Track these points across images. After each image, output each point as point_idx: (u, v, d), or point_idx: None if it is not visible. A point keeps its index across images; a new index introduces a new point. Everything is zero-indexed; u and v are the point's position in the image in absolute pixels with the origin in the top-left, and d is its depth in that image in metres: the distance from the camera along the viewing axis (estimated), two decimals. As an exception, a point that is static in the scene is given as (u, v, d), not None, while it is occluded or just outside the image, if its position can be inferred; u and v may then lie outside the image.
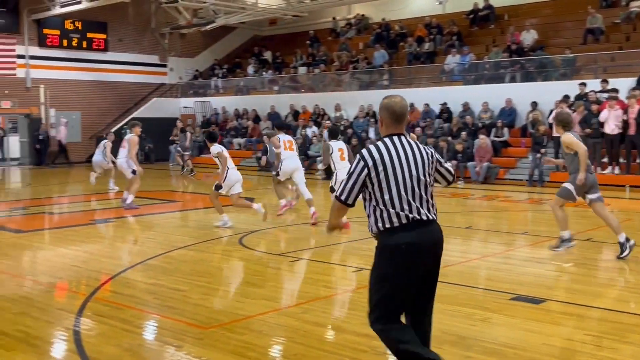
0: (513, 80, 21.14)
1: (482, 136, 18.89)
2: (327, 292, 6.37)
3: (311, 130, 23.44)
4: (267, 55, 31.03)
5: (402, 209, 3.45)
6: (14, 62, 26.55)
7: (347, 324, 5.33)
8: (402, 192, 3.47)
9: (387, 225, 3.47)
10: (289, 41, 31.36)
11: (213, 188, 10.71)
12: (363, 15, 29.84)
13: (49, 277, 7.35)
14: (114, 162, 15.61)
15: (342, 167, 10.31)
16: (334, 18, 30.81)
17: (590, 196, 8.10)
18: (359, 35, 29.09)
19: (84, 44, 28.36)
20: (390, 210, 3.45)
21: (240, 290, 6.54)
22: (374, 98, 23.51)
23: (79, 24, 28.06)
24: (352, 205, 3.62)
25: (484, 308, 5.77)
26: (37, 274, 7.57)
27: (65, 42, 27.85)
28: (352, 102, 24.00)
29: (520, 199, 14.86)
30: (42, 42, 27.26)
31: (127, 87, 29.77)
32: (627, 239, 8.01)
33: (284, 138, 11.65)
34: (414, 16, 27.78)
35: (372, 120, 22.71)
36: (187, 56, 32.12)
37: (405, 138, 3.60)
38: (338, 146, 10.57)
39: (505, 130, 19.65)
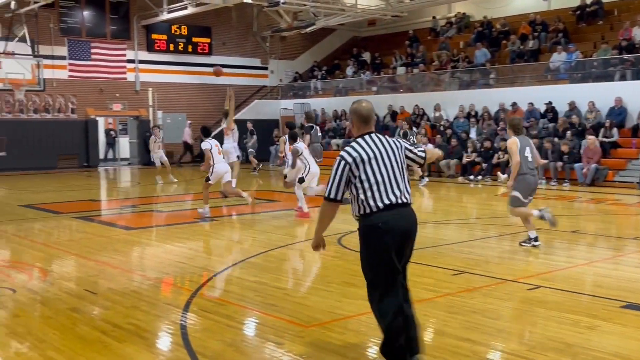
0: (623, 78, 20.08)
1: (590, 137, 18.08)
2: (427, 295, 6.29)
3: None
4: (366, 56, 31.03)
5: (380, 195, 4.08)
6: (124, 67, 27.92)
7: (448, 327, 5.24)
8: (380, 181, 4.11)
9: (367, 210, 4.11)
10: (388, 41, 31.23)
11: (204, 180, 12.31)
12: (464, 13, 29.26)
13: (157, 273, 7.66)
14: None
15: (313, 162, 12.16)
16: (434, 17, 30.39)
17: (531, 197, 8.93)
18: (459, 34, 28.56)
19: (190, 48, 29.45)
20: (370, 197, 4.08)
21: (339, 289, 6.58)
22: (475, 98, 22.97)
23: (184, 29, 29.17)
24: (341, 201, 4.20)
25: (591, 315, 5.54)
26: (146, 270, 7.91)
27: (171, 47, 29.03)
28: (452, 102, 23.59)
29: (631, 203, 14.13)
30: (150, 47, 28.53)
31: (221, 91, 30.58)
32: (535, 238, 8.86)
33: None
34: (517, 13, 26.95)
35: (473, 119, 22.22)
36: (288, 58, 32.65)
37: (376, 135, 4.26)
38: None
39: (615, 130, 18.71)
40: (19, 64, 24.06)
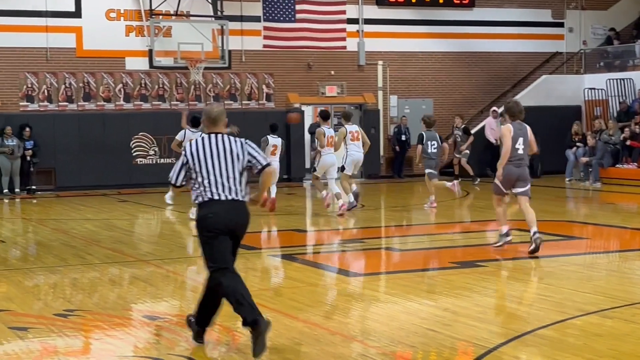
0: None
1: None
2: None
3: None
4: None
5: (212, 189, 7.22)
6: (343, 30, 28.79)
7: None
8: (212, 177, 7.24)
9: (201, 200, 7.29)
10: None
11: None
12: None
13: (393, 343, 7.72)
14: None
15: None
16: None
17: (515, 190, 12.59)
18: None
19: (440, -2, 29.70)
20: (204, 189, 7.24)
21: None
22: None
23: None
24: (179, 185, 7.54)
25: None
26: (376, 337, 7.96)
27: (413, -3, 29.50)
28: None
29: None
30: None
31: (500, 61, 30.35)
32: (535, 232, 12.26)
33: (329, 133, 18.06)
34: None
35: None
36: (597, 7, 31.57)
37: (221, 135, 7.38)
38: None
39: None
40: (195, 30, 25.89)
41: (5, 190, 23.76)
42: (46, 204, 22.21)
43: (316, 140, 18.97)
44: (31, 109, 25.21)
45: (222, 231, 7.20)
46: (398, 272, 12.04)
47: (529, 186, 12.59)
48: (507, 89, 30.20)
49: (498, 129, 26.05)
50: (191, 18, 26.48)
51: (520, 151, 12.34)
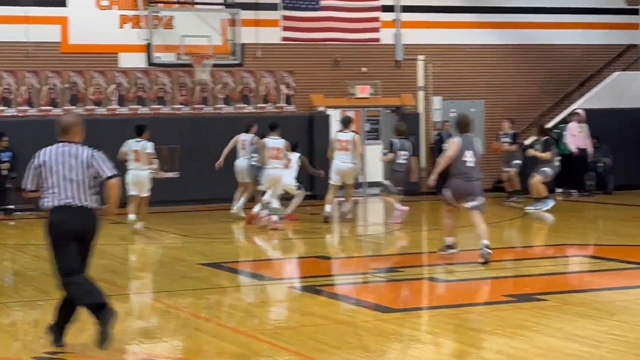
0: None
1: None
2: None
3: None
4: None
5: (60, 196, 8.79)
6: (376, 19, 28.80)
7: None
8: (61, 184, 8.82)
9: (49, 205, 8.85)
10: None
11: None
12: None
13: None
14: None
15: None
16: None
17: (466, 204, 14.51)
18: None
19: (491, -20, 29.64)
20: (51, 195, 8.82)
21: None
22: None
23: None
24: (31, 190, 8.98)
25: None
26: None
27: (459, -20, 29.44)
28: None
29: None
30: (422, -18, 29.20)
31: (564, 55, 30.24)
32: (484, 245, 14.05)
33: (272, 144, 19.79)
34: None
35: None
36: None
37: (69, 145, 9.07)
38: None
39: None
40: (201, 21, 26.00)
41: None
42: (25, 226, 22.31)
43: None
44: (8, 114, 25.37)
45: (70, 237, 8.81)
46: (442, 307, 11.97)
47: (481, 200, 14.51)
48: (572, 89, 30.09)
49: (580, 136, 26.03)
50: (196, 6, 26.62)
51: (469, 164, 14.23)
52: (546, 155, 22.36)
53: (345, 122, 21.04)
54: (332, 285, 13.96)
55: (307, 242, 18.74)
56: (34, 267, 15.35)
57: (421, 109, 29.11)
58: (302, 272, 15.29)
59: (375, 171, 29.98)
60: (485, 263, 14.05)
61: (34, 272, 14.77)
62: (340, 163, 20.59)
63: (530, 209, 22.47)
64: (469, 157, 14.19)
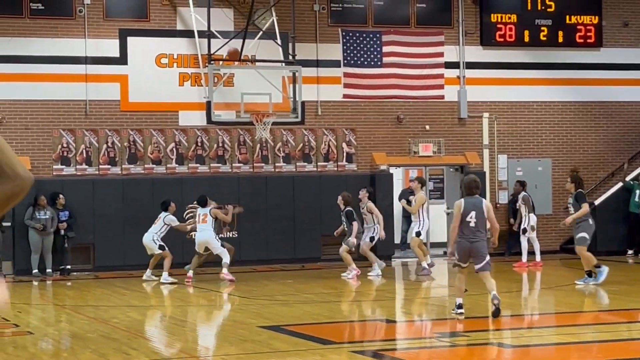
0: None
1: None
2: None
3: None
4: None
5: None
6: (440, 76, 28.81)
7: None
8: None
9: None
10: None
11: None
12: None
13: None
14: None
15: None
16: None
17: (475, 267, 15.56)
18: None
19: (559, 36, 29.52)
20: None
21: None
22: None
23: (550, 3, 29.43)
24: None
25: None
26: None
27: (526, 36, 29.34)
28: None
29: None
30: (487, 38, 29.14)
31: (634, 112, 30.00)
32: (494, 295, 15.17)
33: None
34: None
35: None
36: None
37: None
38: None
39: None
40: (261, 79, 26.18)
41: (35, 271, 23.88)
42: (83, 287, 22.48)
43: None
44: (66, 173, 25.60)
45: None
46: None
47: (486, 260, 15.38)
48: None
49: None
50: (257, 64, 26.74)
51: (472, 225, 15.20)
52: (584, 210, 20.48)
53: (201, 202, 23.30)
54: (394, 350, 13.89)
55: (371, 305, 18.68)
56: (92, 330, 15.43)
57: (486, 168, 28.98)
58: (364, 336, 15.22)
59: (440, 232, 29.87)
60: (496, 311, 15.00)
61: (92, 335, 14.85)
62: (198, 233, 22.88)
63: (579, 283, 20.38)
64: (473, 219, 15.18)
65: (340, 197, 22.73)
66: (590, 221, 20.77)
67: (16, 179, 3.05)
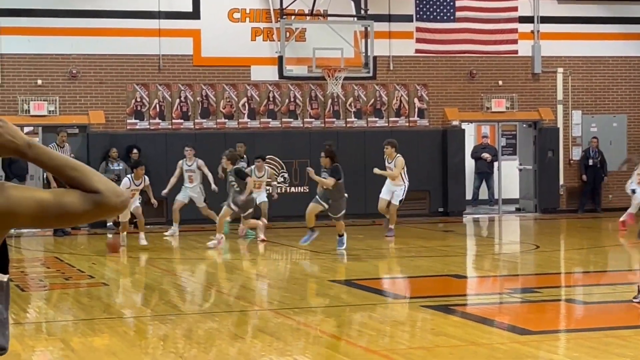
0: None
1: None
2: None
3: None
4: None
5: None
6: (514, 31, 28.58)
7: None
8: None
9: None
10: None
11: None
12: None
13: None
14: None
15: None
16: None
17: None
18: None
19: (635, -11, 29.20)
20: None
21: None
22: None
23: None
24: None
25: None
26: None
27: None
28: None
29: None
30: (561, -7, 28.90)
31: None
32: None
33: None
34: None
35: None
36: None
37: None
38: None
39: None
40: (333, 33, 26.13)
41: (109, 224, 24.27)
42: (156, 239, 22.70)
43: None
44: (140, 127, 25.95)
45: None
46: (582, 330, 11.88)
47: None
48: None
49: None
50: (329, 18, 26.72)
51: None
52: None
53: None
54: (465, 305, 13.91)
55: (440, 261, 18.69)
56: (165, 282, 15.68)
57: (560, 124, 28.75)
58: (434, 291, 15.25)
59: (512, 188, 29.78)
60: None
61: (165, 287, 15.09)
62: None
63: None
64: None
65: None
66: None
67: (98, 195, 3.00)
